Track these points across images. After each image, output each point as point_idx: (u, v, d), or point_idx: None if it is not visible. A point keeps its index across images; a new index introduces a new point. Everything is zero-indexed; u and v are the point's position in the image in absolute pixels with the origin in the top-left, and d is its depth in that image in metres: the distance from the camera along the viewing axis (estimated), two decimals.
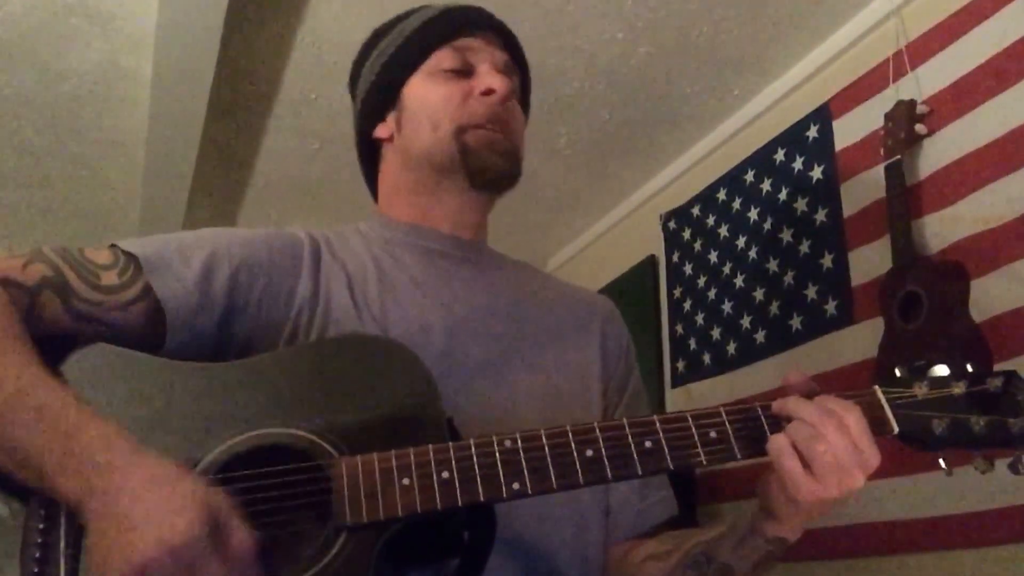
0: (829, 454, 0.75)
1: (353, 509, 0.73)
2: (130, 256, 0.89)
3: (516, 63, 1.12)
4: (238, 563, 0.67)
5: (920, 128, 1.64)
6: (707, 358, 2.25)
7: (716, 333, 2.23)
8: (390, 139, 1.09)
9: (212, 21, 1.79)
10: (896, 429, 0.81)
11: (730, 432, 0.80)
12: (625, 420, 0.80)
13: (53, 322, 0.83)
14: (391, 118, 1.08)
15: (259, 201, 2.71)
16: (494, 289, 1.06)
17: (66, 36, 1.95)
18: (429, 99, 1.04)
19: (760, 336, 2.06)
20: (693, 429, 0.80)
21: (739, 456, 0.80)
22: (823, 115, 1.94)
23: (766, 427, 0.80)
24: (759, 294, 2.09)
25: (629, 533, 1.02)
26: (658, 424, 0.80)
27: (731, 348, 2.16)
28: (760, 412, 0.81)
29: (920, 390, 0.83)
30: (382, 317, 0.95)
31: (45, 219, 2.80)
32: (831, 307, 1.84)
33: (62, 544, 0.71)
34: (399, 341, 0.85)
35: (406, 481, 0.74)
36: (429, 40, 1.07)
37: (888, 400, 0.83)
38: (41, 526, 0.72)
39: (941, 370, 0.85)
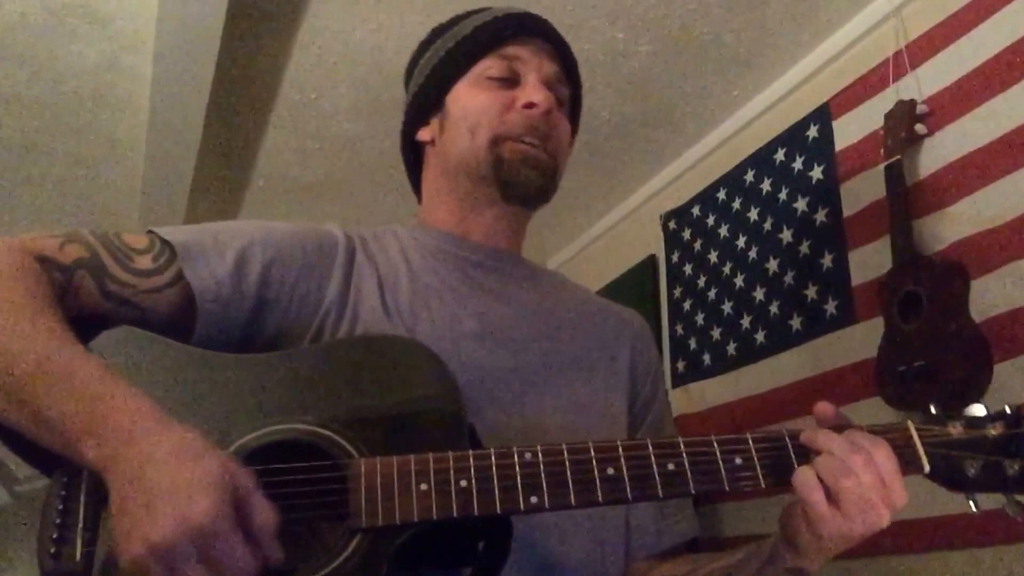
0: (856, 490, 0.74)
1: (369, 511, 0.73)
2: (166, 243, 0.89)
3: (568, 75, 1.11)
4: (260, 541, 0.67)
5: (920, 128, 1.64)
6: (707, 358, 2.25)
7: (716, 333, 2.23)
8: (432, 143, 1.09)
9: (212, 21, 1.79)
10: (927, 468, 0.79)
11: (755, 459, 0.78)
12: (649, 441, 0.79)
13: (87, 302, 0.84)
14: (435, 122, 1.08)
15: (259, 201, 2.71)
16: (526, 301, 1.05)
17: (66, 36, 1.95)
18: (470, 106, 1.04)
19: (760, 336, 2.06)
20: (718, 454, 0.78)
21: (763, 485, 0.78)
22: (823, 115, 1.94)
23: (792, 457, 0.79)
24: (759, 294, 2.09)
25: (649, 551, 1.01)
26: (682, 447, 0.78)
27: (731, 348, 2.16)
28: (787, 440, 0.80)
29: (955, 429, 0.81)
30: (412, 322, 0.95)
31: (45, 219, 2.80)
32: (831, 307, 1.84)
33: (80, 525, 0.71)
34: (426, 345, 0.84)
35: (424, 486, 0.74)
36: (478, 46, 1.06)
37: (921, 437, 0.80)
38: (60, 506, 0.72)
39: (978, 409, 0.82)
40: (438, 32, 1.13)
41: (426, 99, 1.09)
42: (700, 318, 2.31)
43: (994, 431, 0.80)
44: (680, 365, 2.37)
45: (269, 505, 0.68)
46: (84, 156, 2.45)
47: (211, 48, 1.87)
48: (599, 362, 1.04)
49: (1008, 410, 0.81)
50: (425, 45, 1.14)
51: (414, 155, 1.14)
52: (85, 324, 0.82)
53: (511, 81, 1.04)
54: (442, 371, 0.81)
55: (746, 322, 2.12)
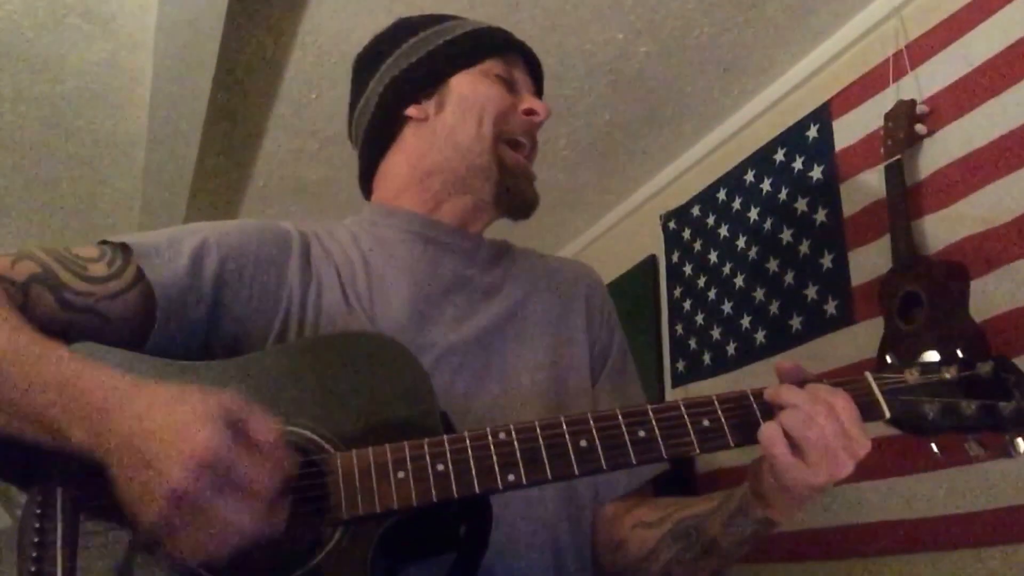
0: (818, 440, 0.76)
1: (349, 503, 0.74)
2: (118, 246, 0.89)
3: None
4: (270, 453, 0.67)
5: (920, 128, 1.64)
6: (707, 358, 2.25)
7: (716, 333, 2.23)
8: (423, 120, 1.08)
9: (212, 21, 1.79)
10: (887, 414, 0.82)
11: (723, 420, 0.80)
12: (618, 410, 0.80)
13: (45, 315, 0.83)
14: (430, 102, 1.08)
15: (259, 201, 2.71)
16: (486, 275, 1.07)
17: (66, 36, 1.95)
18: (480, 92, 1.06)
19: (760, 336, 2.06)
20: (686, 418, 0.80)
21: (732, 444, 0.80)
22: (823, 115, 1.94)
23: (758, 415, 0.81)
24: (759, 294, 2.09)
25: (616, 494, 1.03)
26: (651, 413, 0.80)
27: (731, 348, 2.16)
28: (752, 400, 0.82)
29: (911, 375, 0.83)
30: (371, 311, 0.96)
31: (45, 219, 2.80)
32: (831, 307, 1.84)
33: (59, 541, 0.71)
34: (392, 337, 0.85)
35: (401, 474, 0.75)
36: (484, 45, 1.10)
37: (879, 385, 0.83)
38: (37, 525, 0.71)
39: (932, 356, 0.85)
40: (418, 25, 1.13)
41: (421, 78, 1.09)
42: (700, 318, 2.31)
43: (948, 374, 0.83)
44: (680, 365, 2.37)
45: (268, 418, 0.68)
46: (84, 156, 2.46)
47: (211, 48, 1.87)
48: (560, 327, 1.07)
49: (961, 354, 0.84)
50: (403, 30, 1.14)
51: (389, 130, 1.11)
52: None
53: (511, 86, 1.09)
54: (410, 361, 0.82)
55: (746, 322, 2.12)
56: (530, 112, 1.08)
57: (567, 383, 1.03)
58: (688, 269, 2.40)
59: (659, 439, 0.79)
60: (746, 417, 0.81)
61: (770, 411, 0.81)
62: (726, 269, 2.23)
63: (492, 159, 1.05)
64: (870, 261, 1.75)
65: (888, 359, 0.87)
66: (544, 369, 1.02)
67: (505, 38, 1.12)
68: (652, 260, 2.61)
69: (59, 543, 0.71)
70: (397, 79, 1.10)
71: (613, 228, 2.87)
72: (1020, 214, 1.46)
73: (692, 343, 2.33)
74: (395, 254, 1.03)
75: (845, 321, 1.80)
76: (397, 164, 1.10)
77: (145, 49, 1.99)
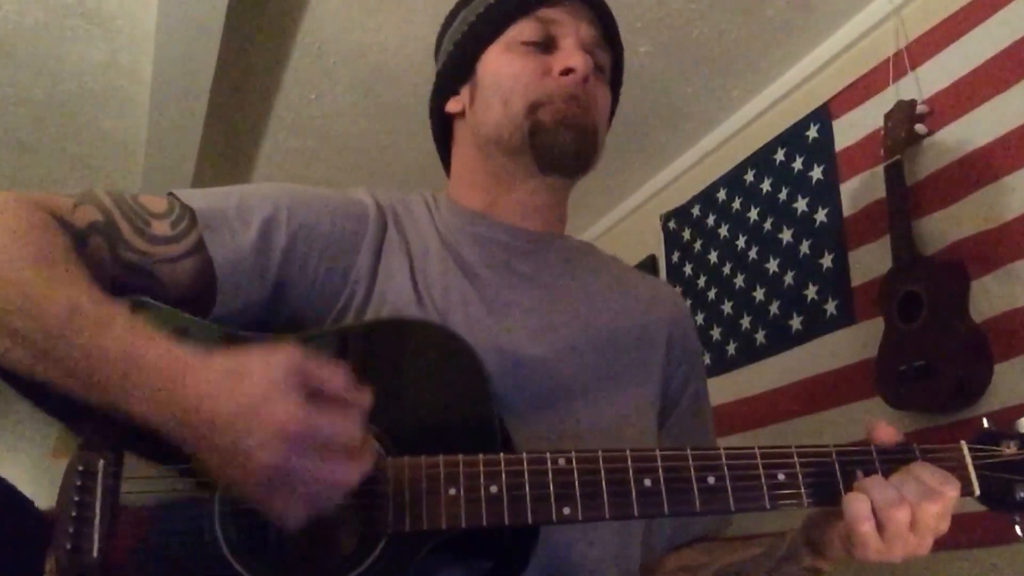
0: (905, 523, 0.71)
1: (396, 517, 0.71)
2: (186, 207, 0.84)
3: (608, 40, 1.02)
4: (345, 401, 0.66)
5: (920, 128, 1.64)
6: (707, 358, 2.25)
7: (716, 333, 2.23)
8: (462, 114, 1.02)
9: (212, 21, 1.79)
10: (977, 492, 0.77)
11: (799, 477, 0.75)
12: (689, 451, 0.75)
13: (99, 268, 0.79)
14: (465, 91, 1.01)
15: None
16: (561, 286, 0.98)
17: (66, 36, 1.95)
18: (503, 72, 0.96)
19: (760, 336, 2.06)
20: (760, 468, 0.75)
21: (806, 504, 0.75)
22: (823, 115, 1.94)
23: (839, 476, 0.75)
24: (759, 294, 2.09)
25: (669, 545, 0.98)
26: (724, 458, 0.74)
27: (731, 348, 2.16)
28: (834, 456, 0.76)
29: (1008, 448, 0.78)
30: (444, 307, 0.89)
31: None
32: (831, 307, 1.84)
33: (97, 519, 0.70)
34: (456, 331, 0.80)
35: (452, 491, 0.71)
36: (510, 8, 0.98)
37: (974, 459, 0.78)
38: (77, 498, 0.70)
39: None
40: (464, 1, 1.05)
41: (455, 68, 1.01)
42: (700, 318, 2.31)
43: None
44: None
45: (333, 366, 0.67)
46: (84, 156, 2.46)
47: (211, 48, 1.87)
48: (633, 348, 0.98)
49: None
50: (453, 14, 1.07)
51: (443, 129, 1.06)
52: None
53: (547, 46, 0.97)
54: (474, 363, 0.77)
55: (746, 322, 2.12)
56: (566, 71, 0.94)
57: (633, 422, 0.94)
58: (688, 269, 2.40)
59: (728, 489, 0.74)
60: (825, 476, 0.75)
61: (851, 472, 0.75)
62: (726, 269, 2.23)
63: (526, 131, 0.94)
64: (870, 261, 1.75)
65: (985, 423, 0.81)
66: (609, 403, 0.92)
67: None
68: (652, 260, 2.61)
69: (97, 519, 0.70)
70: (440, 75, 1.05)
71: (613, 228, 2.86)
72: (1020, 214, 1.46)
73: None
74: (466, 251, 0.96)
75: (845, 321, 1.80)
76: (457, 162, 1.04)
77: (145, 49, 1.99)
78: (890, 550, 0.73)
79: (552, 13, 0.97)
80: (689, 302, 2.36)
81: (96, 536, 0.69)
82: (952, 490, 0.73)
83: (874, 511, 0.72)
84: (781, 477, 0.75)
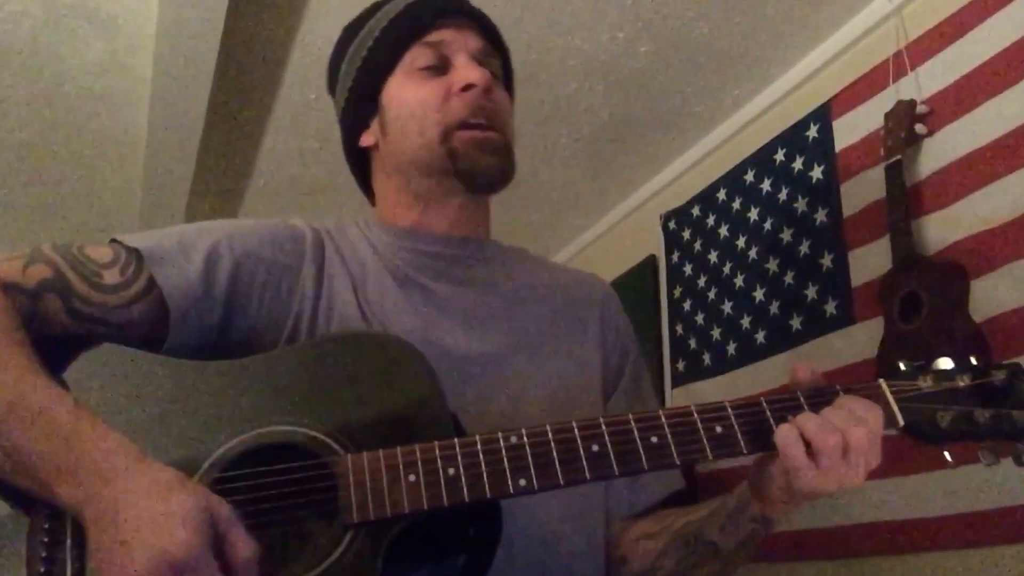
0: (836, 446, 0.75)
1: (359, 507, 0.73)
2: (131, 250, 0.87)
3: (494, 47, 1.07)
4: (240, 573, 0.67)
5: (920, 128, 1.64)
6: (707, 358, 2.25)
7: (716, 333, 2.23)
8: (376, 147, 1.07)
9: (212, 22, 1.79)
10: (902, 422, 0.81)
11: (736, 427, 0.80)
12: (631, 415, 0.80)
13: (55, 324, 0.82)
14: (375, 124, 1.06)
15: (259, 201, 2.71)
16: (493, 284, 1.04)
17: (66, 36, 1.95)
18: (409, 100, 1.01)
19: (760, 336, 2.06)
20: (699, 424, 0.80)
21: (745, 451, 0.80)
22: (823, 115, 1.94)
23: (772, 422, 0.80)
24: (759, 294, 2.09)
25: (625, 514, 1.02)
26: (663, 419, 0.80)
27: (731, 348, 2.16)
28: (765, 406, 0.81)
29: (925, 383, 0.83)
30: (384, 316, 0.94)
31: (45, 219, 2.80)
32: (831, 307, 1.84)
33: (68, 542, 0.71)
34: (403, 338, 0.84)
35: (412, 478, 0.74)
36: (400, 38, 1.03)
37: (893, 393, 0.82)
38: (46, 525, 0.71)
39: (945, 363, 0.84)
40: (352, 30, 1.10)
41: (360, 103, 1.07)
42: (700, 318, 2.31)
43: (963, 382, 0.82)
44: (680, 365, 2.36)
45: (249, 537, 0.68)
46: (84, 156, 2.46)
47: (211, 48, 1.87)
48: (570, 339, 1.04)
49: (975, 361, 0.84)
50: (342, 45, 1.10)
51: (359, 162, 1.12)
52: (59, 345, 0.81)
53: (441, 68, 1.02)
54: (421, 363, 0.82)
55: (746, 322, 2.12)
56: (467, 87, 0.99)
57: (579, 398, 1.00)
58: (688, 269, 2.40)
59: (671, 444, 0.79)
60: (760, 424, 0.80)
61: (784, 418, 0.80)
62: (726, 269, 2.23)
63: (445, 155, 0.99)
64: (870, 261, 1.75)
65: (901, 365, 0.86)
66: (555, 383, 0.99)
67: (413, 20, 1.03)
68: (652, 260, 2.61)
69: (68, 542, 0.71)
70: (345, 110, 1.10)
71: (613, 228, 2.86)
72: (1020, 214, 1.46)
73: (692, 343, 2.33)
74: (398, 265, 1.01)
75: (845, 321, 1.80)
76: (381, 189, 1.10)
77: (145, 49, 1.99)
78: (825, 478, 0.76)
79: (439, 35, 1.02)
80: (689, 302, 2.37)
81: (68, 559, 0.71)
82: (876, 416, 0.77)
83: (808, 441, 0.76)
84: (719, 430, 0.80)
